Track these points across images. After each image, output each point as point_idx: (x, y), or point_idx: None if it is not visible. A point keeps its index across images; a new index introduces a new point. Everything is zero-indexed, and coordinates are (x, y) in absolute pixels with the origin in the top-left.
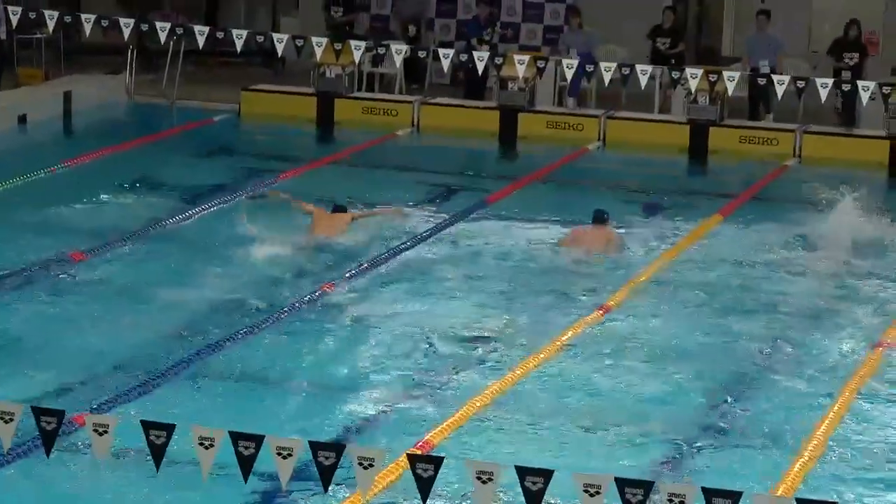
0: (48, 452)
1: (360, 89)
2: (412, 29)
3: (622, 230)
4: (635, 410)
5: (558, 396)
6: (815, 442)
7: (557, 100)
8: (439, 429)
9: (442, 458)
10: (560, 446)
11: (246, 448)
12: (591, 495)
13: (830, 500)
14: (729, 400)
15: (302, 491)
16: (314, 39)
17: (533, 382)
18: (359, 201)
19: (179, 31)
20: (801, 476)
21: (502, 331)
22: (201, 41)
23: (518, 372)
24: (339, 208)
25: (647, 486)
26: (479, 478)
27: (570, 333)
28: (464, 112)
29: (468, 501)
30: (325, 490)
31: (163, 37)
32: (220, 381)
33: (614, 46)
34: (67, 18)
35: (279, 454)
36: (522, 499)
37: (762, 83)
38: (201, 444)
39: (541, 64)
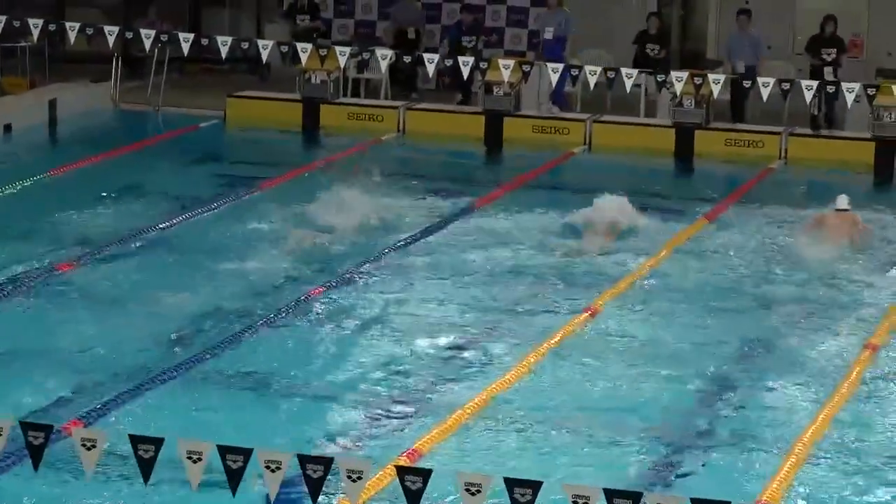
0: (36, 467)
1: (345, 95)
2: (411, 32)
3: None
4: (624, 414)
5: (546, 401)
6: (804, 445)
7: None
8: (427, 437)
9: (430, 471)
10: (549, 452)
11: (234, 461)
12: None
13: None
14: (717, 403)
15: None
16: (299, 45)
17: (521, 388)
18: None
19: (164, 38)
20: (789, 479)
21: (490, 335)
22: (186, 48)
23: (506, 377)
24: None
25: (635, 497)
26: (467, 490)
27: (557, 337)
28: (449, 117)
29: None
30: (314, 502)
31: (148, 44)
32: (207, 390)
33: (600, 51)
34: (52, 26)
35: (268, 467)
36: None
37: (748, 85)
38: (189, 457)
39: (526, 68)
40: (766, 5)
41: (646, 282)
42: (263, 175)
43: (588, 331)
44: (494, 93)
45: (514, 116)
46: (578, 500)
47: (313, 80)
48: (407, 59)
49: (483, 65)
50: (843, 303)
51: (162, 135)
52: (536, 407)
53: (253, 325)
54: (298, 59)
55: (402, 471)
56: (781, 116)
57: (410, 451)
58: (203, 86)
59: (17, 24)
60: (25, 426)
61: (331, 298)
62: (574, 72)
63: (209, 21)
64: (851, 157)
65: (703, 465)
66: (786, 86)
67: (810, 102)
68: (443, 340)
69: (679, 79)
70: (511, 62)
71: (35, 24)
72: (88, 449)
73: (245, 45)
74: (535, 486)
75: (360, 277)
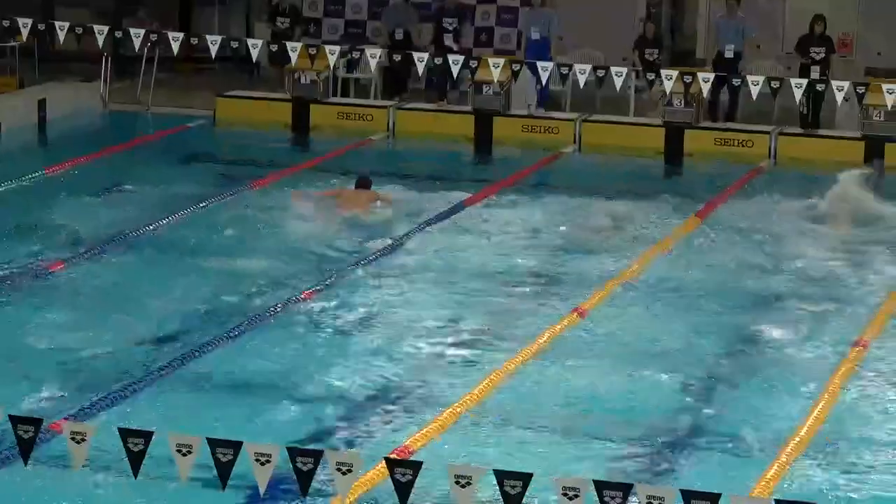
0: (26, 461)
1: (335, 94)
2: (399, 33)
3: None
4: (613, 412)
5: (536, 399)
6: (795, 442)
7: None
8: (418, 434)
9: (420, 463)
10: (538, 450)
11: (224, 455)
12: (570, 499)
13: (809, 501)
14: (707, 401)
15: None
16: (289, 45)
17: (510, 386)
18: (336, 206)
19: (154, 37)
20: (779, 476)
21: (479, 334)
22: (176, 47)
23: (496, 376)
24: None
25: (625, 489)
26: (457, 482)
27: (546, 336)
28: (439, 117)
29: None
30: (304, 495)
31: (137, 43)
32: (198, 387)
33: (589, 50)
34: (41, 26)
35: (257, 460)
36: (501, 503)
37: (736, 83)
38: (179, 451)
39: (516, 67)
40: (756, 4)
41: (635, 281)
42: (253, 175)
43: (577, 330)
44: (484, 92)
45: (504, 116)
46: (568, 492)
47: (303, 79)
48: (397, 57)
49: (473, 63)
50: (833, 300)
51: (151, 134)
52: (526, 406)
53: (242, 325)
54: (288, 59)
55: (392, 463)
56: (771, 116)
57: (401, 448)
58: (193, 85)
59: (6, 23)
60: (14, 419)
61: (320, 299)
62: (563, 70)
63: (199, 20)
64: (841, 156)
65: (691, 465)
66: (775, 84)
67: (800, 101)
68: (432, 340)
69: (669, 77)
70: (501, 61)
71: (24, 24)
72: (78, 443)
73: (235, 45)
74: (526, 478)
75: (348, 278)
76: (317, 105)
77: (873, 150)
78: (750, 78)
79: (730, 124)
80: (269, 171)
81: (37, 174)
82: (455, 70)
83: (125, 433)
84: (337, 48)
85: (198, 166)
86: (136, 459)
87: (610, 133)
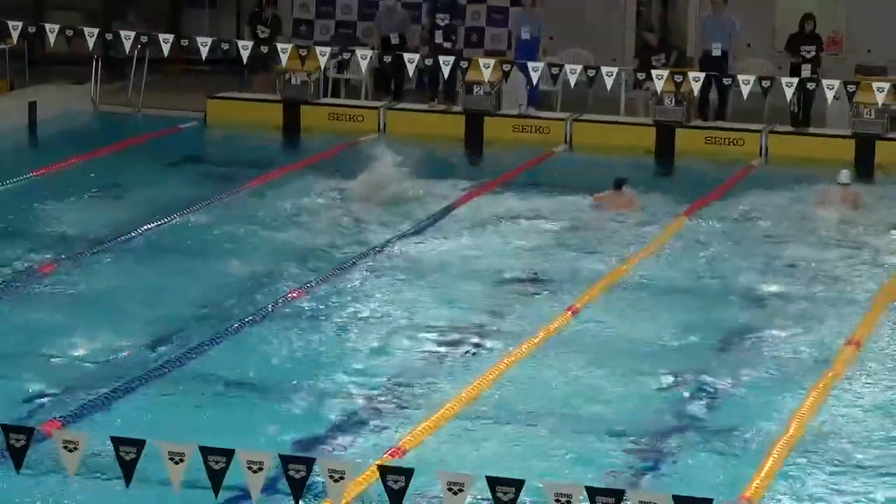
0: (18, 468)
1: (325, 95)
2: (395, 37)
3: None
4: (606, 413)
5: (529, 400)
6: (785, 442)
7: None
8: (410, 435)
9: (412, 470)
10: (531, 451)
11: (216, 462)
12: None
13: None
14: (699, 401)
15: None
16: (279, 46)
17: (503, 386)
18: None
19: (144, 39)
20: (770, 477)
21: (471, 334)
22: (166, 49)
23: (488, 376)
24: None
25: (617, 495)
26: (449, 489)
27: (539, 336)
28: (430, 117)
29: None
30: (297, 503)
31: (127, 45)
32: (191, 390)
33: (580, 49)
34: (31, 28)
35: (249, 468)
36: None
37: (727, 82)
38: (171, 458)
39: (506, 68)
40: (746, 3)
41: (627, 280)
42: (244, 176)
43: (570, 329)
44: (475, 93)
45: (494, 116)
46: (560, 498)
47: (293, 80)
48: (387, 58)
49: (463, 64)
50: (826, 298)
51: (142, 136)
52: (518, 406)
53: (234, 326)
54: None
55: (384, 470)
56: (762, 114)
57: (394, 449)
58: (183, 87)
59: None
60: (6, 428)
61: (313, 299)
62: (554, 70)
63: (189, 22)
64: (832, 154)
65: (684, 463)
66: (766, 83)
67: (790, 100)
68: (424, 339)
69: (660, 77)
70: (491, 62)
71: (14, 27)
72: (70, 451)
73: (225, 46)
74: (518, 484)
75: (341, 278)
76: (308, 106)
77: (864, 148)
78: (741, 77)
79: (721, 123)
80: (260, 172)
81: (28, 176)
82: (446, 71)
83: (117, 442)
84: (328, 49)
85: (189, 168)
86: (128, 468)
87: (601, 132)
